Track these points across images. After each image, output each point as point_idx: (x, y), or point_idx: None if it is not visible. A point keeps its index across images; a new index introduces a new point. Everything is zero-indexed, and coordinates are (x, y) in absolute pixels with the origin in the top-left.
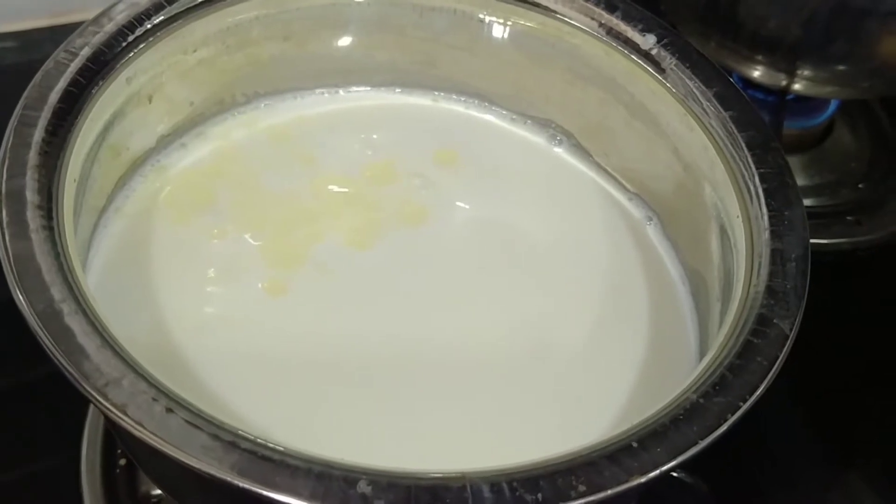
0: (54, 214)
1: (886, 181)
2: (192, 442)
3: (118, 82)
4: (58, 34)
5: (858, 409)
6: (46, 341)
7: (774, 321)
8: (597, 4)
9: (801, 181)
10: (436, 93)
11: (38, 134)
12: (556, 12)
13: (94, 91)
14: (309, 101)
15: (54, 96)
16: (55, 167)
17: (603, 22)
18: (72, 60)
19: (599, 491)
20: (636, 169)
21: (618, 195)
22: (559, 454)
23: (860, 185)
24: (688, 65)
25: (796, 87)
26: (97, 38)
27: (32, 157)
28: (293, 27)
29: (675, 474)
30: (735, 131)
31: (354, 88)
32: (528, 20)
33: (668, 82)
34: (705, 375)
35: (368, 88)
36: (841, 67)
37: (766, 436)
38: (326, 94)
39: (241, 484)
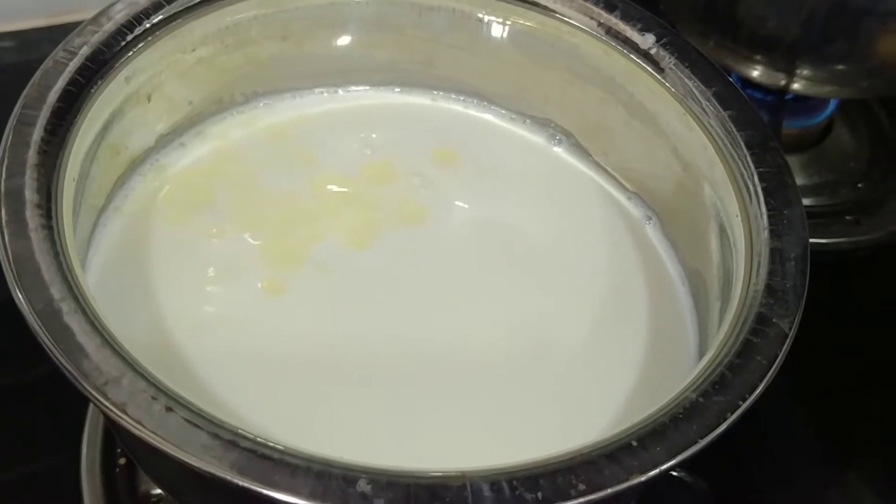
0: (53, 213)
1: (886, 181)
2: (192, 441)
3: (117, 81)
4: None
5: (858, 409)
6: (46, 340)
7: (774, 320)
8: (596, 4)
9: (800, 181)
10: (435, 92)
11: (38, 133)
12: (555, 12)
13: (93, 90)
14: (308, 101)
15: (53, 95)
16: (54, 166)
17: (602, 21)
18: (71, 59)
19: (599, 490)
20: (635, 168)
21: (617, 194)
22: (559, 453)
23: (859, 185)
24: (687, 64)
25: (795, 86)
26: (96, 38)
27: (31, 156)
28: (292, 26)
29: (674, 473)
30: (734, 131)
31: (353, 88)
32: (528, 19)
33: (667, 82)
34: (705, 374)
35: (367, 88)
36: (840, 67)
37: (766, 435)
38: (325, 94)
39: (240, 483)
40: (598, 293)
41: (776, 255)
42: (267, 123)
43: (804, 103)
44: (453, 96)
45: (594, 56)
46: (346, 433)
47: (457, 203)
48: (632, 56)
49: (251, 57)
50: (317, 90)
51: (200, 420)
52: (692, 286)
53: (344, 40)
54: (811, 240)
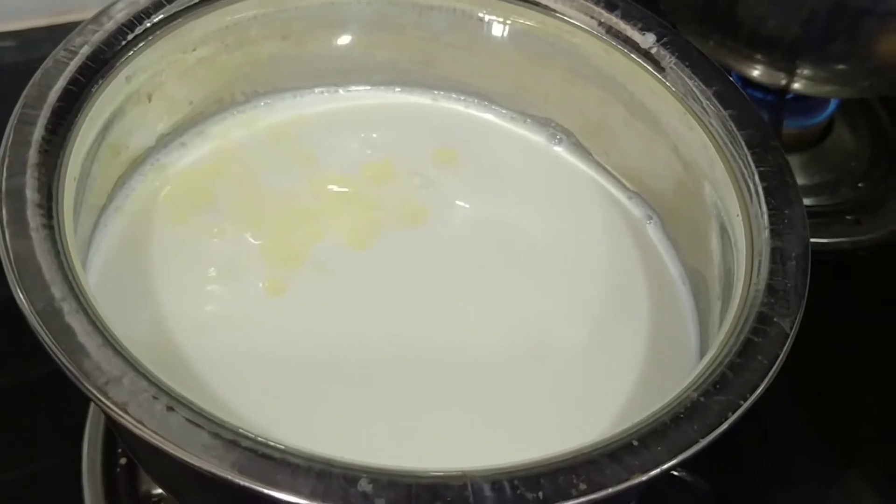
0: (54, 213)
1: (886, 180)
2: (193, 440)
3: (118, 81)
4: (56, 33)
5: (858, 409)
6: (47, 340)
7: (775, 320)
8: (596, 3)
9: (800, 180)
10: (435, 92)
11: (38, 132)
12: (555, 11)
13: (93, 90)
14: (308, 101)
15: (54, 95)
16: (55, 165)
17: (603, 21)
18: (71, 59)
19: (600, 489)
20: (636, 168)
21: (618, 194)
22: (560, 452)
23: (860, 185)
24: (687, 63)
25: (796, 86)
26: (97, 37)
27: (32, 155)
28: (292, 26)
29: (675, 473)
30: (735, 130)
31: (354, 87)
32: (528, 19)
33: (667, 81)
34: (706, 374)
35: (368, 87)
36: (840, 66)
37: (767, 434)
38: (326, 94)
39: (241, 482)
40: (599, 293)
41: (777, 255)
42: (267, 123)
43: (805, 103)
44: (454, 96)
45: (595, 55)
46: (347, 433)
47: (457, 203)
48: (632, 55)
49: (251, 56)
50: (317, 90)
51: (202, 420)
52: (693, 286)
53: (344, 40)
54: (812, 239)
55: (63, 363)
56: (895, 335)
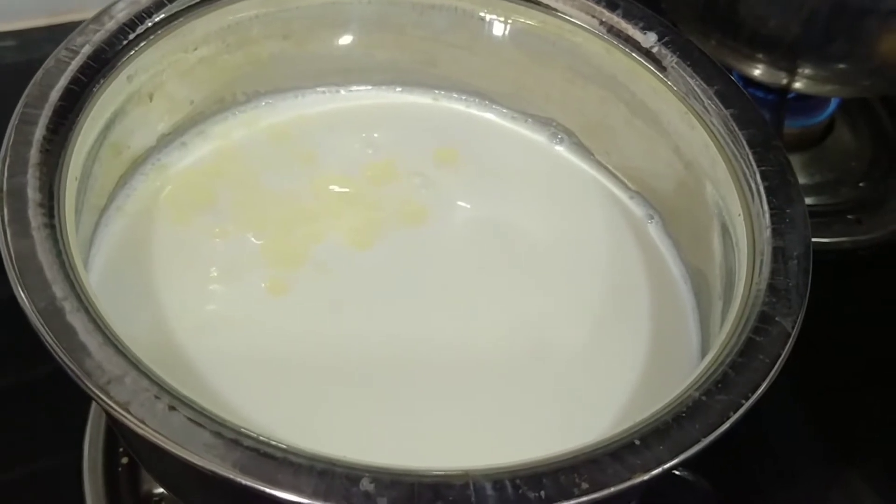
0: (56, 212)
1: (887, 180)
2: (195, 440)
3: (119, 80)
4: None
5: (859, 408)
6: (48, 339)
7: (776, 319)
8: (598, 2)
9: (801, 180)
10: (436, 91)
11: (40, 132)
12: (556, 10)
13: (94, 89)
14: (309, 100)
15: (55, 94)
16: (56, 165)
17: (604, 20)
18: (73, 58)
19: (602, 488)
20: (637, 167)
21: (619, 193)
22: (562, 452)
23: (861, 184)
24: (689, 63)
25: (797, 85)
26: (98, 36)
27: (34, 154)
28: (293, 26)
29: (676, 472)
30: (736, 129)
31: (355, 87)
32: (529, 18)
33: (669, 80)
34: (707, 373)
35: (369, 87)
36: (841, 66)
37: (767, 434)
38: (327, 93)
39: (243, 481)
40: (600, 292)
41: (778, 254)
42: (268, 123)
43: (805, 102)
44: (454, 95)
45: (596, 55)
46: (347, 432)
47: (458, 203)
48: (633, 55)
49: (252, 56)
50: (318, 90)
51: (203, 419)
52: (694, 285)
53: (345, 40)
54: (812, 239)
55: (64, 362)
56: (895, 335)
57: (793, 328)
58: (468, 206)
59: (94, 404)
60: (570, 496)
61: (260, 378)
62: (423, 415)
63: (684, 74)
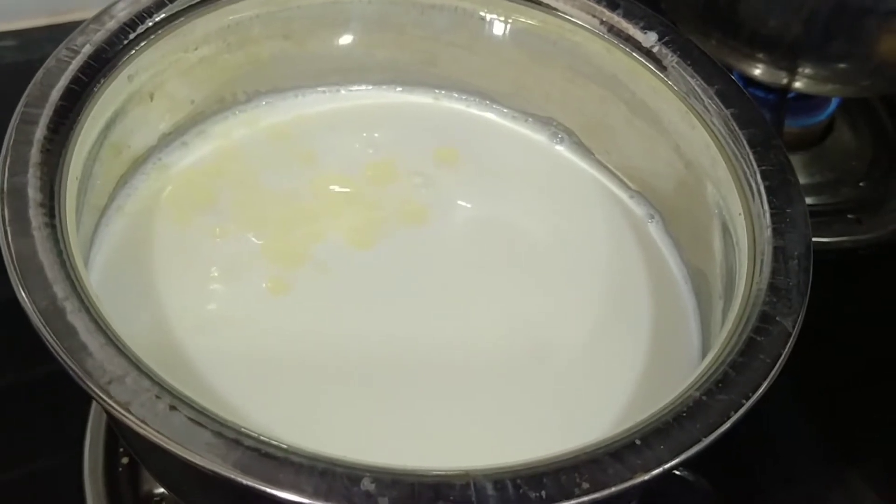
0: (56, 212)
1: (887, 179)
2: (196, 439)
3: (119, 80)
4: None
5: (859, 408)
6: (49, 339)
7: (777, 319)
8: (598, 2)
9: (801, 179)
10: (436, 91)
11: (40, 132)
12: (557, 10)
13: (95, 89)
14: (310, 100)
15: (56, 94)
16: (57, 165)
17: (604, 19)
18: (73, 58)
19: (603, 488)
20: (638, 167)
21: (619, 193)
22: (563, 452)
23: (861, 184)
24: (689, 62)
25: (797, 85)
26: (99, 36)
27: (34, 154)
28: (293, 25)
29: (676, 472)
30: (737, 129)
31: (355, 87)
32: (529, 18)
33: (669, 80)
34: (708, 373)
35: (369, 87)
36: (841, 66)
37: (768, 433)
38: (327, 93)
39: (244, 481)
40: (601, 292)
41: (779, 254)
42: (269, 123)
43: (806, 102)
44: (455, 95)
45: (596, 54)
46: (348, 432)
47: (458, 202)
48: (634, 54)
49: (253, 56)
50: (318, 89)
51: (204, 419)
52: (695, 285)
53: (345, 39)
54: (812, 239)
55: (66, 362)
56: (895, 335)
57: (793, 328)
58: (468, 206)
59: (94, 404)
60: (571, 496)
61: (260, 377)
62: (424, 414)
63: (685, 74)
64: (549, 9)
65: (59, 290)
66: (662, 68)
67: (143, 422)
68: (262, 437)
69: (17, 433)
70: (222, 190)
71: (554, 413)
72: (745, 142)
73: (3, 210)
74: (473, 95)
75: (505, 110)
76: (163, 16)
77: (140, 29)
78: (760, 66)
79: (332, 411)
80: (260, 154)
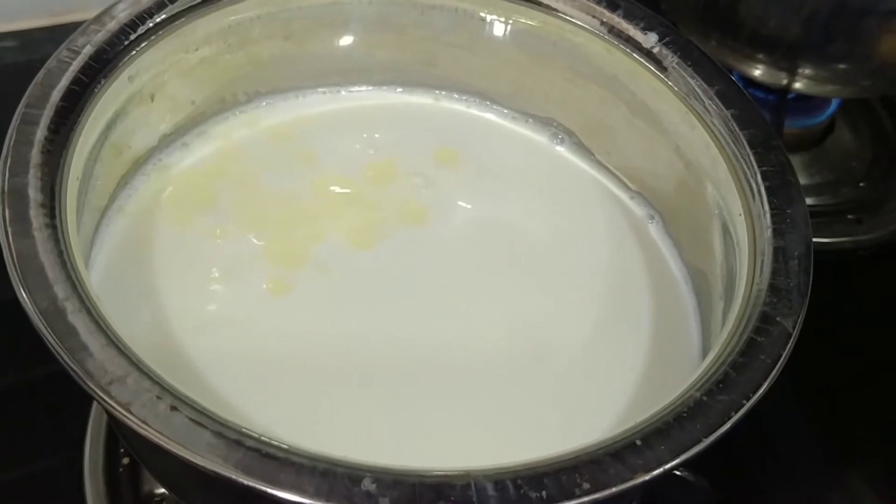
0: (57, 213)
1: (887, 180)
2: (197, 440)
3: (120, 81)
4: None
5: (860, 408)
6: (50, 339)
7: (777, 319)
8: (598, 3)
9: (801, 180)
10: (437, 92)
11: (41, 132)
12: (557, 10)
13: (96, 89)
14: (310, 101)
15: (56, 94)
16: (58, 165)
17: (604, 20)
18: (74, 59)
19: (604, 489)
20: (638, 167)
21: (619, 193)
22: (563, 452)
23: (861, 184)
24: (689, 63)
25: (797, 85)
26: (99, 37)
27: (35, 155)
28: (294, 26)
29: (677, 472)
30: (737, 129)
31: (355, 88)
32: (530, 18)
33: (669, 81)
34: (709, 373)
35: (369, 87)
36: (841, 66)
37: (768, 434)
38: (327, 94)
39: (245, 481)
40: (601, 293)
41: (779, 254)
42: (269, 123)
43: (806, 103)
44: (455, 96)
45: (596, 55)
46: (348, 433)
47: (458, 203)
48: (634, 55)
49: (253, 56)
50: (319, 90)
51: (205, 419)
52: (695, 285)
53: (346, 40)
54: (812, 239)
55: (66, 363)
56: (895, 335)
57: (794, 328)
58: (468, 207)
59: (95, 405)
60: (572, 496)
61: (261, 378)
62: (424, 415)
63: (685, 75)
64: (550, 9)
65: (60, 290)
66: (663, 69)
67: (144, 422)
68: (263, 438)
69: (17, 433)
70: (223, 191)
71: (554, 413)
72: (745, 142)
73: (3, 210)
74: (473, 96)
75: (505, 111)
76: (163, 16)
77: (141, 30)
78: (760, 66)
79: (333, 412)
80: (260, 155)
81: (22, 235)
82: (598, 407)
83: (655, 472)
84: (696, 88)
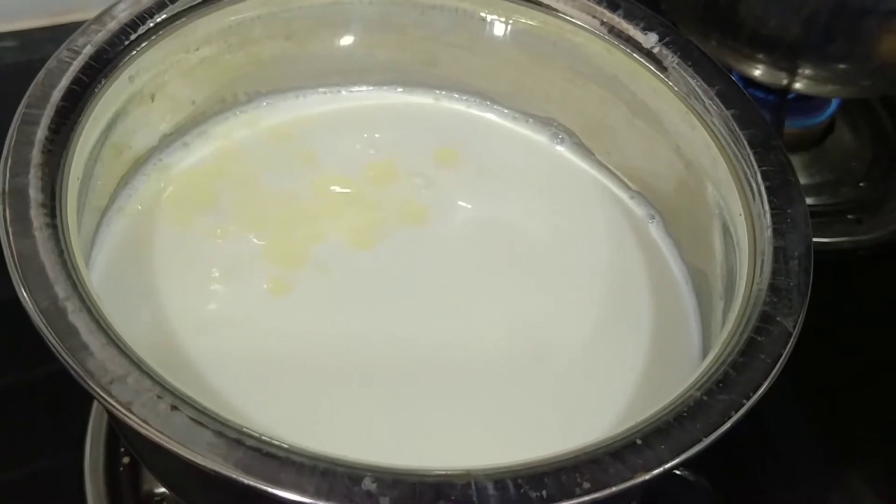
0: (58, 212)
1: (887, 180)
2: (198, 439)
3: (121, 81)
4: (58, 33)
5: (859, 408)
6: (51, 339)
7: (778, 319)
8: (598, 3)
9: (801, 180)
10: (437, 92)
11: (41, 132)
12: (557, 11)
13: (96, 89)
14: (310, 101)
15: (57, 94)
16: (58, 165)
17: (605, 20)
18: (74, 59)
19: (604, 488)
20: (638, 167)
21: (620, 193)
22: (564, 451)
23: (861, 184)
24: (689, 63)
25: (797, 85)
26: (100, 37)
27: (35, 155)
28: (294, 26)
29: (677, 472)
30: (737, 129)
31: (356, 88)
32: (530, 18)
33: (669, 81)
34: (709, 373)
35: (369, 87)
36: (841, 66)
37: (768, 433)
38: (328, 94)
39: (246, 481)
40: (601, 292)
41: (780, 254)
42: (270, 123)
43: (806, 103)
44: (455, 96)
45: (597, 55)
46: (348, 432)
47: (459, 203)
48: (634, 55)
49: (254, 56)
50: (319, 90)
51: (206, 419)
52: (695, 285)
53: (346, 40)
54: (812, 239)
55: (67, 362)
56: (895, 335)
57: (794, 328)
58: (469, 207)
59: (95, 404)
60: (572, 496)
61: (261, 378)
62: (424, 415)
63: (685, 75)
64: (550, 10)
65: (61, 290)
66: (663, 69)
67: (144, 422)
68: (263, 437)
69: (18, 433)
70: (223, 190)
71: (554, 413)
72: (745, 142)
73: (4, 210)
74: (474, 96)
75: (505, 111)
76: (164, 16)
77: (141, 30)
78: (760, 66)
79: (333, 411)
80: (261, 155)
81: (22, 235)
82: (598, 407)
83: (655, 472)
84: (697, 88)
